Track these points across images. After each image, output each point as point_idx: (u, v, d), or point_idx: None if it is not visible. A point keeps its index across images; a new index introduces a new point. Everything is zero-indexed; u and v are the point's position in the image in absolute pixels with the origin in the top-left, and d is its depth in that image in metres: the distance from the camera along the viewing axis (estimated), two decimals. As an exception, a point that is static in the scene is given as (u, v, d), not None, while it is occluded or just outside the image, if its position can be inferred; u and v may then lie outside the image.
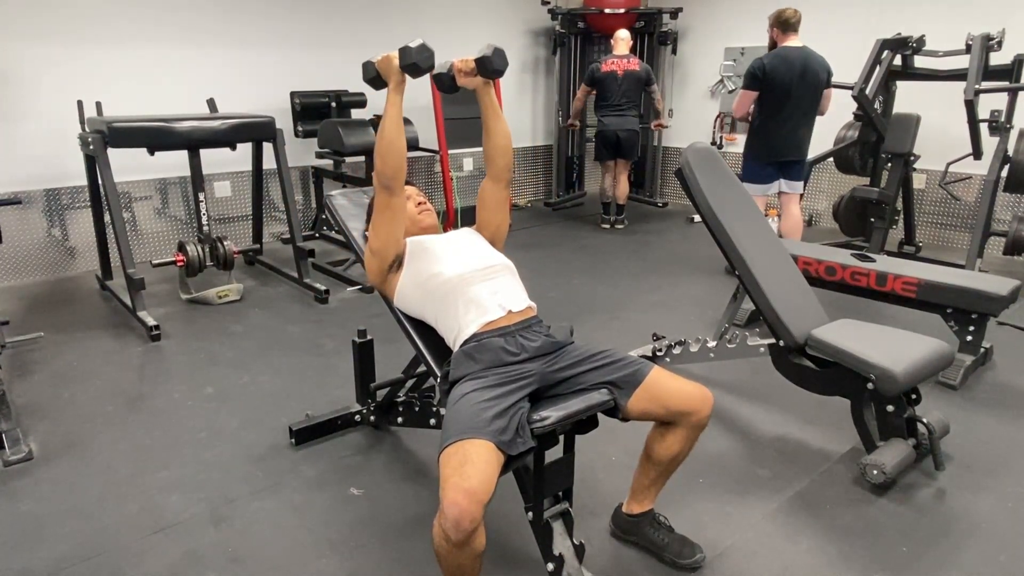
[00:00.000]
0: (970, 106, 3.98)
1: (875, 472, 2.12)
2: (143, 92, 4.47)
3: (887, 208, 4.43)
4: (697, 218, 5.78)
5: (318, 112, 5.03)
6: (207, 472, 2.28)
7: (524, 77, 6.79)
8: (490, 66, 1.82)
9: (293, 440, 2.43)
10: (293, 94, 5.00)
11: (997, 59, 4.16)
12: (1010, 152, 4.09)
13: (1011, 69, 4.15)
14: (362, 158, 4.81)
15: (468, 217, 5.25)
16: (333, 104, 5.07)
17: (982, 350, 2.97)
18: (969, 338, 2.90)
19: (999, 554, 1.91)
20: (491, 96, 1.93)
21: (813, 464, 2.34)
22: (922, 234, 5.20)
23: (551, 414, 1.59)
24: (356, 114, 5.21)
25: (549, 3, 6.30)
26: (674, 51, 6.46)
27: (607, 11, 6.21)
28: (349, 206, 2.33)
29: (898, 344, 2.27)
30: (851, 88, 4.30)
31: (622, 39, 5.48)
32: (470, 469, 1.39)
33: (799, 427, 2.57)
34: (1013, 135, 4.09)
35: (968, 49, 4.08)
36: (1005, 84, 4.10)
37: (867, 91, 4.29)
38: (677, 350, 2.97)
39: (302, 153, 5.20)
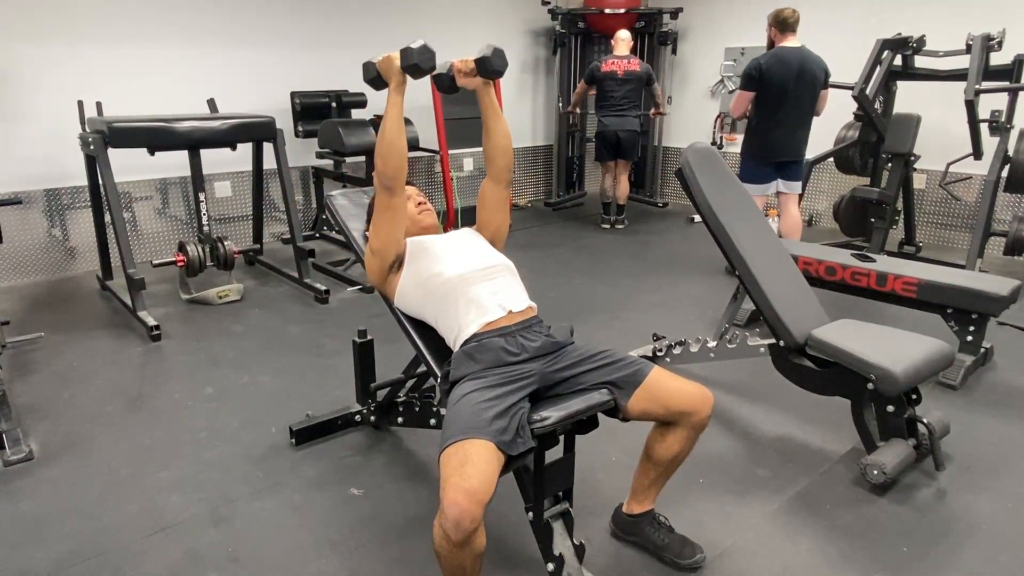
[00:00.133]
0: (970, 106, 3.98)
1: (875, 472, 2.12)
2: (143, 92, 4.47)
3: (887, 208, 4.43)
4: (697, 218, 5.79)
5: (318, 112, 5.03)
6: (207, 472, 2.28)
7: (524, 77, 6.79)
8: (489, 66, 1.82)
9: (293, 440, 2.43)
10: (293, 94, 5.01)
11: (997, 59, 4.16)
12: (1010, 152, 4.10)
13: (1011, 69, 4.15)
14: (362, 158, 4.81)
15: (468, 217, 5.27)
16: (333, 104, 5.07)
17: (982, 350, 2.97)
18: (969, 338, 2.90)
19: (999, 554, 1.91)
20: (491, 96, 1.93)
21: (813, 464, 2.34)
22: (922, 234, 5.20)
23: (551, 414, 1.59)
24: (356, 114, 5.21)
25: (549, 3, 6.30)
26: (674, 51, 6.46)
27: (607, 11, 6.21)
28: (349, 206, 2.33)
29: (898, 344, 2.27)
30: (851, 88, 4.30)
31: (623, 39, 5.48)
32: (470, 469, 1.39)
33: (799, 427, 2.57)
34: (1013, 135, 4.10)
35: (968, 49, 4.08)
36: (1005, 84, 4.10)
37: (867, 91, 4.30)
38: (677, 350, 2.97)
39: (302, 153, 5.21)
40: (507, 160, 2.02)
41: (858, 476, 2.22)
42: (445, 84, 1.90)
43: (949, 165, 4.43)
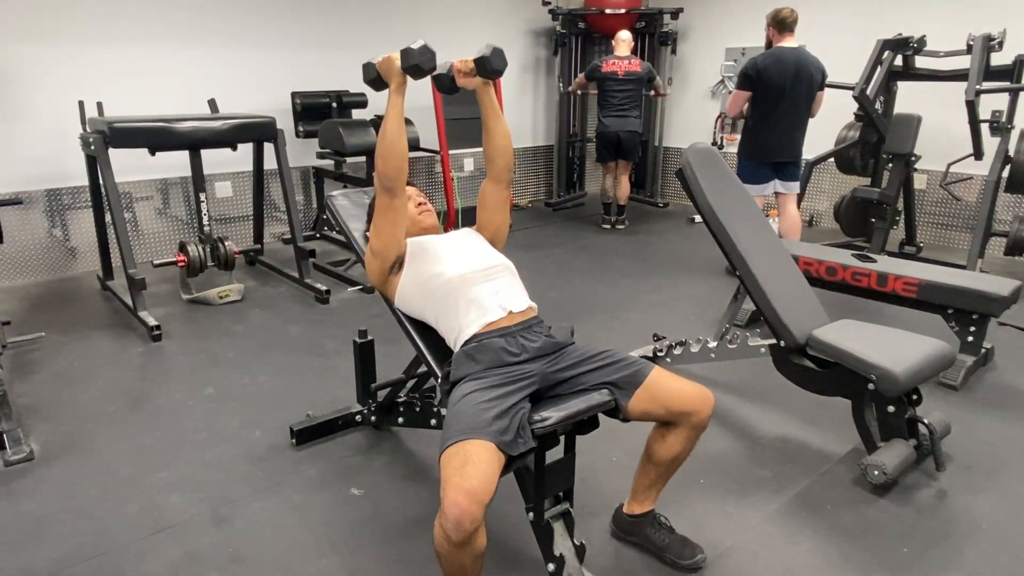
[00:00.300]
0: (971, 106, 3.98)
1: (876, 473, 2.12)
2: (144, 92, 4.47)
3: (888, 208, 4.43)
4: (698, 218, 5.79)
5: (319, 112, 5.03)
6: (208, 472, 2.28)
7: (524, 77, 6.79)
8: (489, 66, 1.82)
9: (294, 440, 2.43)
10: (294, 94, 5.01)
11: (998, 59, 4.16)
12: (1011, 152, 4.09)
13: (1012, 69, 4.15)
14: (363, 158, 4.81)
15: (469, 217, 5.27)
16: (334, 104, 5.07)
17: (983, 351, 2.97)
18: (970, 339, 2.90)
19: (1000, 555, 1.91)
20: (491, 96, 1.93)
21: (814, 465, 2.34)
22: (923, 234, 5.20)
23: (552, 414, 1.59)
24: (357, 114, 5.21)
25: (550, 3, 6.30)
26: (674, 51, 6.46)
27: (608, 11, 6.21)
28: (350, 206, 2.33)
29: (899, 345, 2.27)
30: (852, 88, 4.29)
31: (623, 40, 5.47)
32: (471, 469, 1.39)
33: (800, 427, 2.57)
34: (1014, 135, 4.09)
35: (969, 49, 4.08)
36: (1006, 84, 4.10)
37: (868, 91, 4.29)
38: (678, 350, 2.97)
39: (303, 153, 5.21)
40: (507, 160, 2.02)
41: (859, 476, 2.22)
42: (445, 84, 1.90)
43: (950, 165, 4.43)
